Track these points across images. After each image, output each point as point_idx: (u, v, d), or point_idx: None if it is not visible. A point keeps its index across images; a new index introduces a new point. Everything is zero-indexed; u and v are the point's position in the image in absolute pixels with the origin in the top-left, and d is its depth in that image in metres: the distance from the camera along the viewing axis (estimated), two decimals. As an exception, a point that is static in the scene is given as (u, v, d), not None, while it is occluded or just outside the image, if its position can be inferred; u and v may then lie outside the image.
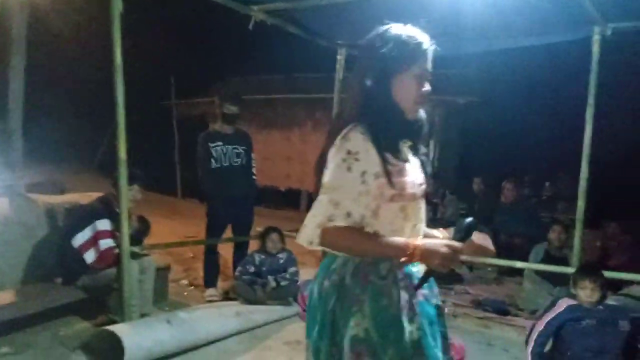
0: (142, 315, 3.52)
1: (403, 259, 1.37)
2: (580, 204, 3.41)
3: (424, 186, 1.53)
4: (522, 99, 9.55)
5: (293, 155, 10.17)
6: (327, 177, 1.41)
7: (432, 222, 5.44)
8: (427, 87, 1.48)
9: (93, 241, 3.37)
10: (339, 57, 4.93)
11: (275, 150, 10.23)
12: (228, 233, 4.54)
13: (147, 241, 4.08)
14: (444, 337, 1.55)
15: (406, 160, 1.49)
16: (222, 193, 4.28)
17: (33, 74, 5.05)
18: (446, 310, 4.24)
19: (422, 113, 1.54)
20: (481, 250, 1.63)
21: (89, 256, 3.37)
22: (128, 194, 3.34)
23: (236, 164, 4.33)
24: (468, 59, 7.27)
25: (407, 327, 1.41)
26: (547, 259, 4.44)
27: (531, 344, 2.99)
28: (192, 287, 4.70)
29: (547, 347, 3.09)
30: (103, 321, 3.55)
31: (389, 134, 1.43)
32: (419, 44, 1.45)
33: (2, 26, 6.32)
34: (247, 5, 3.94)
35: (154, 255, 4.50)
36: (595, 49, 3.45)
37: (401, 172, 1.43)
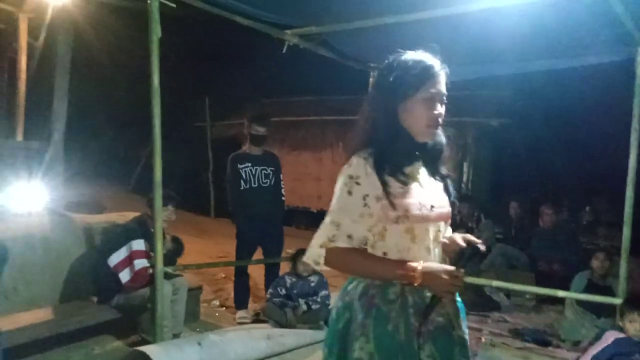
0: (174, 336, 3.53)
1: (404, 282, 1.39)
2: (626, 231, 3.25)
3: (442, 209, 1.52)
4: (559, 121, 9.33)
5: (324, 176, 10.18)
6: (332, 201, 1.48)
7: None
8: (439, 109, 1.48)
9: (128, 261, 3.42)
10: (371, 79, 4.93)
11: (306, 171, 10.28)
12: (259, 254, 4.54)
13: (181, 259, 4.11)
14: None
15: (413, 183, 1.48)
16: (250, 214, 4.29)
17: (75, 96, 5.25)
18: (483, 339, 4.11)
19: (440, 136, 1.55)
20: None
21: (124, 275, 3.42)
22: (162, 215, 3.38)
23: (265, 185, 4.34)
24: (502, 80, 7.15)
25: (415, 355, 1.40)
26: (590, 288, 4.24)
27: (576, 378, 2.84)
28: (224, 308, 4.69)
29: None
30: (135, 341, 3.58)
31: (392, 158, 1.46)
32: (427, 68, 1.47)
33: (48, 49, 6.64)
34: (282, 29, 4.00)
35: (186, 275, 4.55)
36: (639, 71, 3.33)
37: (405, 195, 1.44)
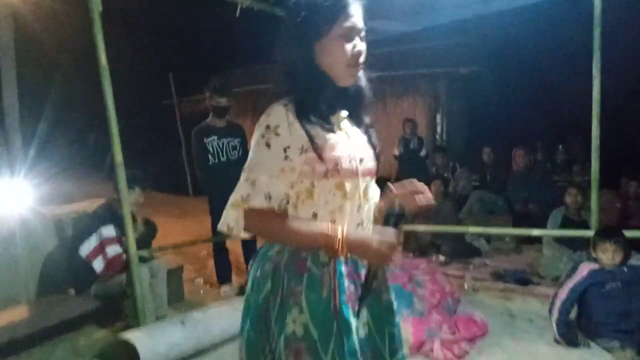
0: (158, 318, 3.50)
1: (331, 252, 1.26)
2: (594, 164, 3.28)
3: (369, 162, 1.40)
4: (526, 63, 9.29)
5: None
6: (249, 156, 1.31)
7: (444, 197, 5.28)
8: (359, 46, 1.32)
9: (100, 249, 3.34)
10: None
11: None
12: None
13: (159, 242, 4.04)
14: (392, 338, 1.40)
15: (340, 133, 1.34)
16: (222, 188, 4.18)
17: (26, 85, 5.02)
18: (465, 286, 4.18)
19: (362, 79, 1.41)
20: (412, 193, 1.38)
21: (98, 264, 3.34)
22: (130, 198, 3.29)
23: (233, 158, 4.22)
24: (466, 26, 7.05)
25: (353, 323, 1.28)
26: (566, 223, 4.33)
27: (555, 312, 2.92)
28: (208, 285, 4.67)
29: (572, 315, 3.01)
30: (121, 327, 3.54)
31: (315, 104, 1.30)
32: (338, 1, 1.30)
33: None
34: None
35: (166, 256, 4.50)
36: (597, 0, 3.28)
37: (333, 146, 1.30)
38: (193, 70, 11.00)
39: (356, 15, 1.32)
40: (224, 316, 3.16)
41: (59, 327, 3.28)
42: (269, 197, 1.26)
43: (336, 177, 1.29)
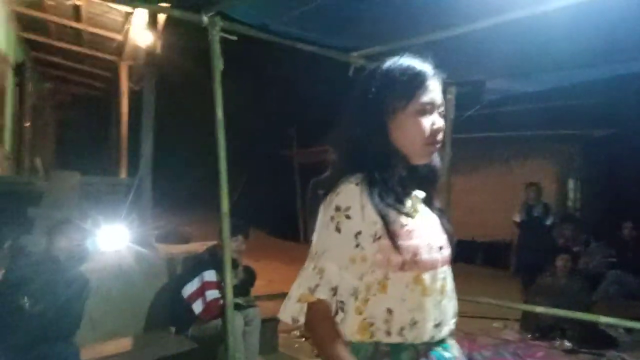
0: (248, 368, 3.47)
1: None
2: None
3: (447, 250, 1.22)
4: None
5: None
6: (314, 241, 1.18)
7: (572, 275, 4.64)
8: (438, 122, 1.21)
9: (200, 292, 3.44)
10: (449, 96, 4.64)
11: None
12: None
13: (266, 286, 4.08)
14: None
15: (416, 217, 1.20)
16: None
17: (161, 133, 5.58)
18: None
19: (435, 158, 1.27)
20: None
21: (197, 306, 3.44)
22: (232, 245, 3.37)
23: None
24: (601, 86, 6.41)
25: None
26: None
27: None
28: (303, 339, 4.57)
29: None
30: (213, 372, 3.57)
31: (389, 185, 1.17)
32: (416, 75, 1.21)
33: (136, 92, 7.19)
34: (346, 52, 3.91)
35: (266, 304, 4.52)
36: None
37: (410, 233, 1.15)
38: (313, 124, 11.51)
39: (435, 90, 1.23)
40: (309, 378, 3.01)
41: (156, 364, 3.41)
42: (334, 291, 1.13)
43: (414, 269, 1.14)
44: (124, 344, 3.47)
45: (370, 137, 1.20)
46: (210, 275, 3.46)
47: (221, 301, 3.36)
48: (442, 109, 1.24)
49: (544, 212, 5.97)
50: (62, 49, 9.34)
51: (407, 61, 1.24)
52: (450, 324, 1.21)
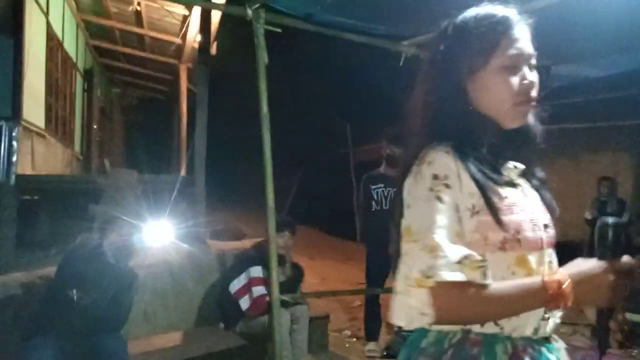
0: (295, 367, 3.41)
1: (550, 306, 0.91)
2: None
3: (552, 229, 1.04)
4: None
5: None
6: (410, 219, 0.98)
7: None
8: (529, 76, 1.02)
9: (247, 288, 3.43)
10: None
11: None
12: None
13: (320, 284, 4.03)
14: None
15: (516, 190, 1.02)
16: (381, 237, 4.03)
17: (215, 131, 5.67)
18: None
19: (531, 119, 1.07)
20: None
21: (244, 303, 3.43)
22: (279, 241, 3.33)
23: None
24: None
25: None
26: None
27: None
28: (355, 339, 4.46)
29: None
30: (261, 369, 3.55)
31: (482, 153, 1.00)
32: (497, 23, 1.01)
33: (195, 93, 7.36)
34: (397, 41, 3.75)
35: (318, 302, 4.46)
36: None
37: (512, 208, 0.97)
38: (368, 120, 11.35)
39: (522, 38, 1.03)
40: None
41: (206, 359, 3.43)
42: (458, 263, 0.90)
43: (517, 249, 0.97)
44: (174, 338, 3.53)
45: (447, 102, 1.04)
46: (256, 272, 3.44)
47: (267, 298, 3.32)
48: (533, 60, 1.05)
49: (618, 208, 5.49)
50: (127, 54, 9.80)
51: (485, 9, 1.05)
52: (556, 318, 1.03)
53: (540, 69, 3.49)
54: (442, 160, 0.98)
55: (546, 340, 1.01)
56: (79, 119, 8.81)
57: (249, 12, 3.11)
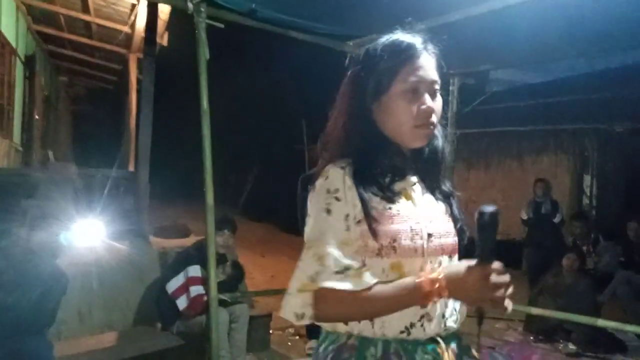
0: (234, 366, 3.39)
1: (424, 302, 1.01)
2: None
3: (444, 238, 1.11)
4: None
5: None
6: (307, 228, 1.09)
7: (579, 274, 4.42)
8: (429, 102, 1.10)
9: (185, 287, 3.38)
10: (451, 87, 4.47)
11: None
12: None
13: (268, 282, 3.99)
14: None
15: (405, 203, 1.11)
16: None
17: (162, 123, 5.54)
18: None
19: (437, 138, 1.17)
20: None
21: (181, 302, 3.37)
22: (218, 240, 3.30)
23: None
24: (622, 77, 6.12)
25: None
26: None
27: None
28: (297, 337, 4.48)
29: None
30: (201, 368, 3.50)
31: (372, 169, 1.10)
32: (401, 51, 1.10)
33: (141, 82, 7.18)
34: (342, 41, 3.77)
35: (262, 300, 4.45)
36: None
37: (392, 218, 1.06)
38: (324, 117, 11.42)
39: (426, 66, 1.11)
40: (292, 379, 2.91)
41: (140, 360, 3.35)
42: (342, 273, 1.01)
43: (392, 256, 1.05)
44: (109, 338, 3.43)
45: (353, 122, 1.13)
46: (194, 271, 3.39)
47: (205, 297, 3.28)
48: (436, 86, 1.12)
49: (552, 209, 5.75)
50: (73, 41, 9.39)
51: (394, 37, 1.14)
52: (444, 322, 1.08)
53: (481, 74, 3.57)
54: (335, 176, 1.08)
55: (431, 340, 1.07)
56: (18, 107, 8.38)
57: (190, 5, 3.03)
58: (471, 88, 4.66)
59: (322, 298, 1.01)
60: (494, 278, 0.97)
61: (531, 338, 4.51)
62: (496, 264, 0.99)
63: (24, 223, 3.85)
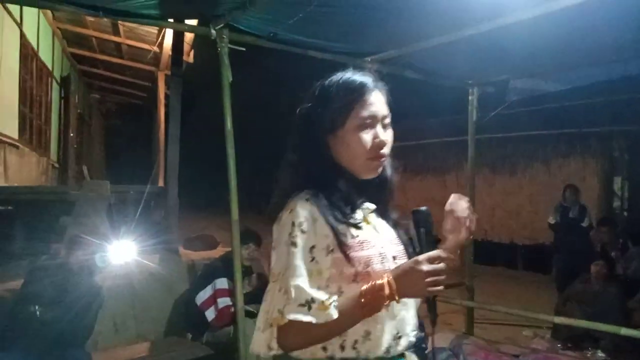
0: (261, 376, 3.50)
1: (381, 304, 1.07)
2: None
3: (403, 259, 1.19)
4: None
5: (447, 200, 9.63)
6: (273, 261, 1.14)
7: (608, 281, 4.39)
8: (381, 135, 1.18)
9: (213, 299, 3.51)
10: (470, 97, 4.52)
11: (429, 195, 9.83)
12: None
13: None
14: None
15: (368, 228, 1.18)
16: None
17: (190, 140, 5.73)
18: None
19: (386, 167, 1.24)
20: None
21: (210, 314, 3.51)
22: (244, 253, 3.43)
23: None
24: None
25: None
26: None
27: None
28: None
29: None
30: (230, 378, 3.64)
31: (336, 200, 1.16)
32: (353, 90, 1.17)
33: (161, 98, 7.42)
34: (360, 58, 3.87)
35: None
36: None
37: (362, 244, 1.14)
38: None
39: (376, 102, 1.19)
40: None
41: (170, 369, 3.51)
42: (306, 306, 1.06)
43: (367, 280, 1.11)
44: (142, 348, 3.60)
45: (309, 155, 1.19)
46: (222, 283, 3.52)
47: (233, 308, 3.41)
48: (387, 120, 1.20)
49: (580, 213, 5.68)
50: (105, 61, 9.80)
51: (346, 76, 1.21)
52: (410, 336, 1.18)
53: (500, 83, 3.62)
54: (300, 208, 1.12)
55: (401, 355, 1.18)
56: (55, 126, 8.79)
57: (213, 32, 3.20)
58: (492, 96, 4.70)
59: (288, 331, 1.06)
60: (429, 266, 1.04)
61: (559, 345, 4.47)
62: (431, 253, 1.07)
63: (61, 240, 4.09)
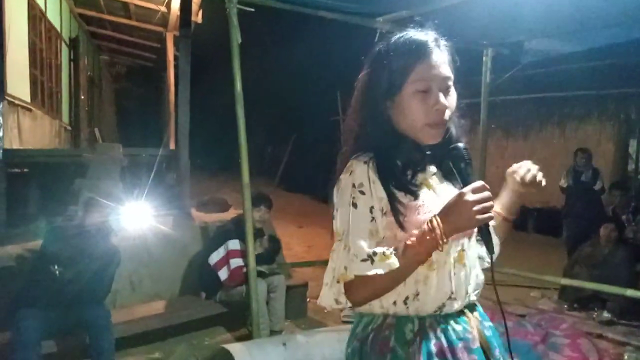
0: (273, 332, 3.63)
1: (435, 246, 1.07)
2: None
3: None
4: None
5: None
6: (336, 221, 1.17)
7: (617, 244, 4.43)
8: (441, 101, 1.13)
9: (225, 260, 3.60)
10: (484, 58, 4.43)
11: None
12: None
13: (305, 253, 4.14)
14: None
15: (427, 193, 1.17)
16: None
17: (200, 97, 5.67)
18: (626, 356, 3.42)
19: (451, 129, 1.20)
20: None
21: (222, 274, 3.61)
22: (255, 215, 3.49)
23: None
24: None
25: None
26: None
27: None
28: (334, 306, 4.68)
29: None
30: (244, 334, 3.78)
31: (393, 164, 1.15)
32: (413, 50, 1.13)
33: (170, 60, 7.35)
34: (372, 18, 3.79)
35: (296, 272, 4.66)
36: None
37: (417, 209, 1.13)
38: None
39: (438, 63, 1.14)
40: (327, 344, 3.11)
41: (187, 326, 3.65)
42: (371, 259, 1.09)
43: None
44: (159, 306, 3.73)
45: (369, 120, 1.18)
46: (234, 244, 3.60)
47: (244, 269, 3.50)
48: (449, 82, 1.15)
49: (592, 177, 5.64)
50: (113, 22, 9.67)
51: (405, 36, 1.16)
52: (468, 296, 1.20)
53: (515, 44, 3.56)
54: (359, 171, 1.14)
55: (459, 313, 1.19)
56: (65, 89, 8.80)
57: (221, -9, 3.15)
58: (507, 58, 4.60)
59: (354, 286, 1.11)
60: (475, 196, 1.04)
61: (565, 306, 4.55)
62: (474, 184, 1.07)
63: (77, 202, 4.17)
